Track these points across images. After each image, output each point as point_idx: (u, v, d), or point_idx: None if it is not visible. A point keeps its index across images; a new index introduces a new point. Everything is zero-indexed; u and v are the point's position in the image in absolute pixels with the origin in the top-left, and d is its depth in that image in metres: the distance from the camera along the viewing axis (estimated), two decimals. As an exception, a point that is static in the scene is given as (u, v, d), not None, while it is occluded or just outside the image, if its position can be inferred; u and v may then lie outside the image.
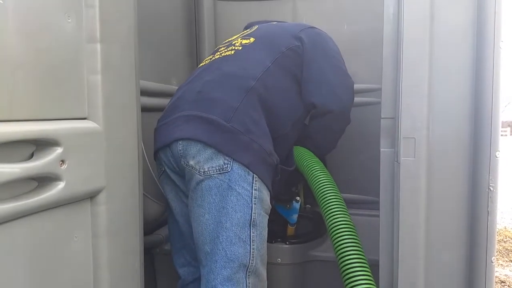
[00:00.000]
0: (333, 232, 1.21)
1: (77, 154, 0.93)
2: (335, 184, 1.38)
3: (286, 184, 1.68)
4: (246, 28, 1.76)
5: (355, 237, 1.18)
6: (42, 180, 0.88)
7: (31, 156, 0.86)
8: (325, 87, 1.53)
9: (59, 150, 0.88)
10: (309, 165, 1.48)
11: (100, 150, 1.00)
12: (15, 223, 0.81)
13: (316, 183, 1.38)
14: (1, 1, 0.77)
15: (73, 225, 0.97)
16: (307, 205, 2.06)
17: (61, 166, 0.89)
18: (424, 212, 1.09)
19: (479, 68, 1.07)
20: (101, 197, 1.01)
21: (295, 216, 1.87)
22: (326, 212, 1.27)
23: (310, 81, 1.52)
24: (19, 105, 0.83)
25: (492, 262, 1.09)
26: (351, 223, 1.22)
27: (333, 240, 1.20)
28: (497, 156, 1.06)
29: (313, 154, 1.59)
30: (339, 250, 1.16)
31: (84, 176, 0.96)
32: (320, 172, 1.42)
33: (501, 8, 1.05)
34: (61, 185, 0.89)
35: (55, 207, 0.90)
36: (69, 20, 0.93)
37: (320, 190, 1.34)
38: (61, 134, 0.89)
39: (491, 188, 1.06)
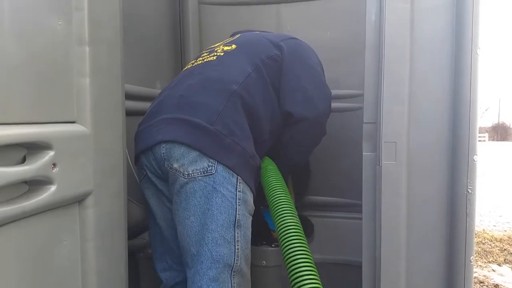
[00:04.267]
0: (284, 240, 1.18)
1: (67, 158, 0.93)
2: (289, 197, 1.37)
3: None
4: (231, 36, 1.78)
5: (303, 242, 1.17)
6: (34, 184, 0.88)
7: (23, 160, 0.85)
8: (300, 95, 1.53)
9: (51, 153, 0.89)
10: (268, 177, 1.45)
11: (88, 153, 1.00)
12: (6, 227, 0.81)
13: (270, 192, 1.37)
14: None
15: (62, 229, 0.97)
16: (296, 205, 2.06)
17: (53, 169, 0.89)
18: (405, 214, 1.12)
19: (457, 74, 1.11)
20: (89, 201, 1.02)
21: None
22: (277, 221, 1.26)
23: (286, 89, 1.53)
24: (12, 108, 0.83)
25: (471, 262, 1.12)
26: (300, 228, 1.21)
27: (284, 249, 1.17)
28: (475, 160, 1.10)
29: (276, 168, 1.55)
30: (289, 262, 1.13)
31: (74, 180, 0.96)
32: (275, 181, 1.40)
33: (479, 16, 1.09)
34: (52, 188, 0.89)
35: (46, 210, 0.90)
36: (60, 23, 0.93)
37: (274, 201, 1.33)
38: (53, 137, 0.89)
39: (469, 191, 1.10)
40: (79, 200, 1.00)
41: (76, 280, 1.01)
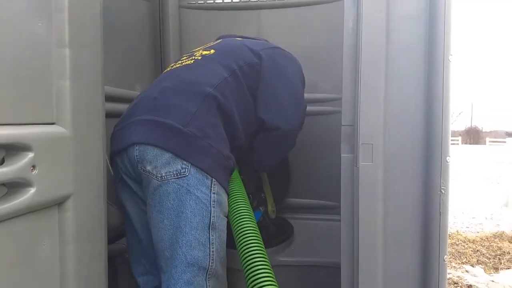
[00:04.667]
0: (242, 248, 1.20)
1: (47, 160, 0.93)
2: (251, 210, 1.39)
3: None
4: (214, 41, 1.79)
5: (262, 250, 1.19)
6: (13, 186, 0.87)
7: (1, 162, 0.84)
8: (275, 106, 1.54)
9: (30, 155, 0.88)
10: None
11: (68, 155, 1.00)
12: None
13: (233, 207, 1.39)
14: None
15: (41, 232, 0.96)
16: (273, 209, 2.08)
17: (32, 171, 0.88)
18: (381, 214, 1.15)
19: (430, 79, 1.16)
20: (69, 204, 1.01)
21: None
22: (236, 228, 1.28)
23: (262, 98, 1.54)
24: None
25: (444, 261, 1.16)
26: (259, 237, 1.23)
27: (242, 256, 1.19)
28: (448, 161, 1.15)
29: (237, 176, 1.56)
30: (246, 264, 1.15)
31: (54, 182, 0.95)
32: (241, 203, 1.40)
33: (450, 24, 1.14)
34: (32, 191, 0.89)
35: (25, 213, 0.89)
36: (40, 24, 0.92)
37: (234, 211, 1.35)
38: (33, 138, 0.89)
39: (443, 191, 1.14)
40: (58, 203, 0.99)
41: (55, 283, 1.00)
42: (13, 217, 0.87)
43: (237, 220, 1.28)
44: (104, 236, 1.18)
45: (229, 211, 1.36)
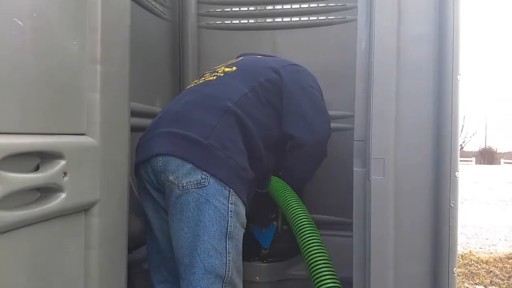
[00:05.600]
0: (307, 253, 1.29)
1: (77, 167, 0.99)
2: (306, 209, 1.47)
3: (260, 208, 1.76)
4: (236, 58, 1.88)
5: (325, 254, 1.27)
6: (45, 191, 0.93)
7: (36, 168, 0.91)
8: (303, 122, 1.63)
9: (63, 162, 0.95)
10: (282, 193, 1.58)
11: (96, 164, 1.06)
12: (19, 231, 0.86)
13: (288, 207, 1.47)
14: (21, 23, 0.84)
15: (69, 236, 1.02)
16: (284, 226, 2.12)
17: (63, 178, 0.95)
18: (392, 226, 1.19)
19: (440, 97, 1.20)
20: (95, 210, 1.07)
21: (269, 241, 1.93)
22: (299, 234, 1.35)
23: (288, 115, 1.63)
24: (29, 119, 0.89)
25: (454, 273, 1.19)
26: (322, 243, 1.31)
27: (307, 261, 1.28)
28: (457, 176, 1.18)
29: (286, 184, 1.67)
30: (313, 270, 1.24)
31: (82, 189, 1.02)
32: (292, 199, 1.51)
33: (459, 45, 1.19)
34: (62, 196, 0.95)
35: (55, 217, 0.95)
36: (75, 43, 1.00)
37: (292, 214, 1.43)
38: (65, 147, 0.96)
39: (452, 205, 1.17)
40: (85, 209, 1.06)
41: (79, 285, 1.06)
42: (44, 220, 0.93)
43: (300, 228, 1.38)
44: (125, 243, 1.24)
45: (288, 216, 1.44)
